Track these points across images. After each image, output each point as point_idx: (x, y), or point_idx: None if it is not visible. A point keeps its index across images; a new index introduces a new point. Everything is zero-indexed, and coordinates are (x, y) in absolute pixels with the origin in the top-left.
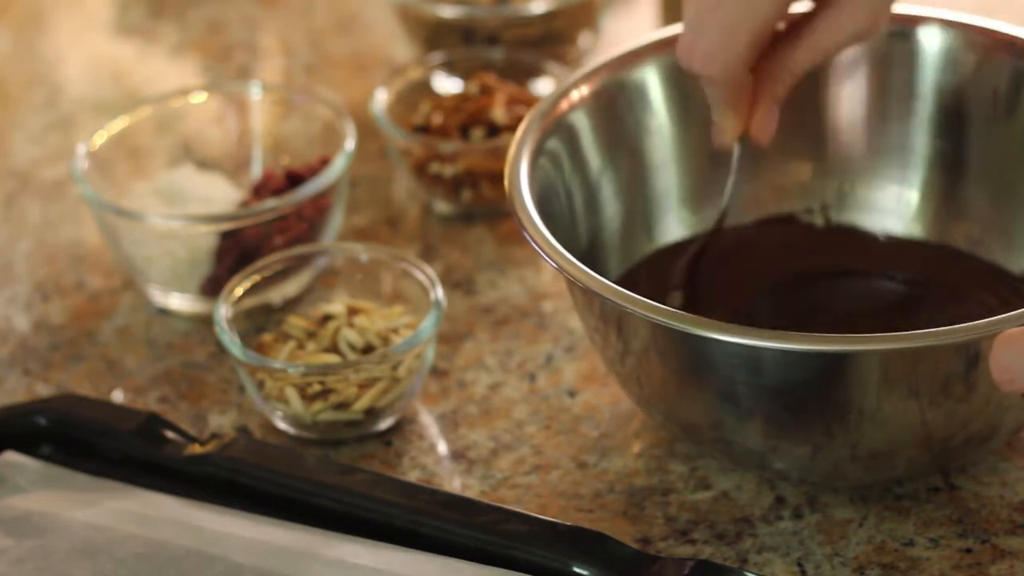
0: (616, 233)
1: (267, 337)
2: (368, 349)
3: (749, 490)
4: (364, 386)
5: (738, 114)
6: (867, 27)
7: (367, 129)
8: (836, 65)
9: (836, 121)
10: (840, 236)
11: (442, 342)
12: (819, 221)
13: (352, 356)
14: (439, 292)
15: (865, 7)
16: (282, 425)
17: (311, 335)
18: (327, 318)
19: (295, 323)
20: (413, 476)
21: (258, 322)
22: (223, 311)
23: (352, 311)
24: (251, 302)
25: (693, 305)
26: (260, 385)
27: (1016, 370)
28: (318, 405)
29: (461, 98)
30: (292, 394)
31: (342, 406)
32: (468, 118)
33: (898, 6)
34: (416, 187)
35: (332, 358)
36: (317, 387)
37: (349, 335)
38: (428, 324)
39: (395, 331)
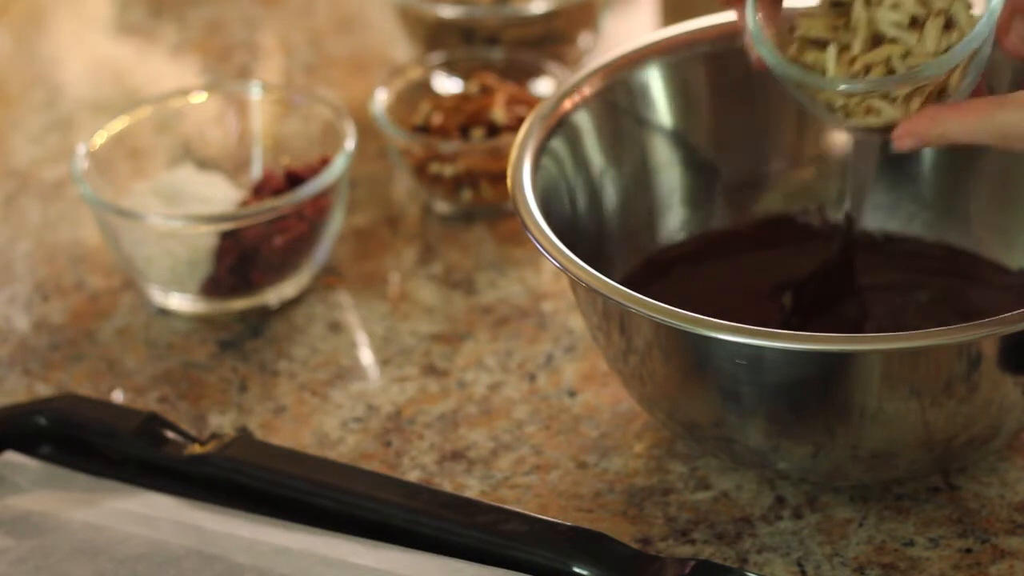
0: (618, 233)
1: (791, 51)
2: (913, 22)
3: (749, 490)
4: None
5: None
6: None
7: (367, 129)
8: None
9: None
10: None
11: (442, 342)
12: (816, 222)
13: (907, 36)
14: None
15: None
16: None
17: (836, 29)
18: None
19: (811, 24)
20: (413, 476)
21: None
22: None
23: None
24: None
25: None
26: (828, 107)
27: None
28: (916, 102)
29: (461, 98)
30: (883, 105)
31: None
32: (468, 118)
33: None
34: (416, 187)
35: (893, 49)
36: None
37: (888, 15)
38: None
39: None
